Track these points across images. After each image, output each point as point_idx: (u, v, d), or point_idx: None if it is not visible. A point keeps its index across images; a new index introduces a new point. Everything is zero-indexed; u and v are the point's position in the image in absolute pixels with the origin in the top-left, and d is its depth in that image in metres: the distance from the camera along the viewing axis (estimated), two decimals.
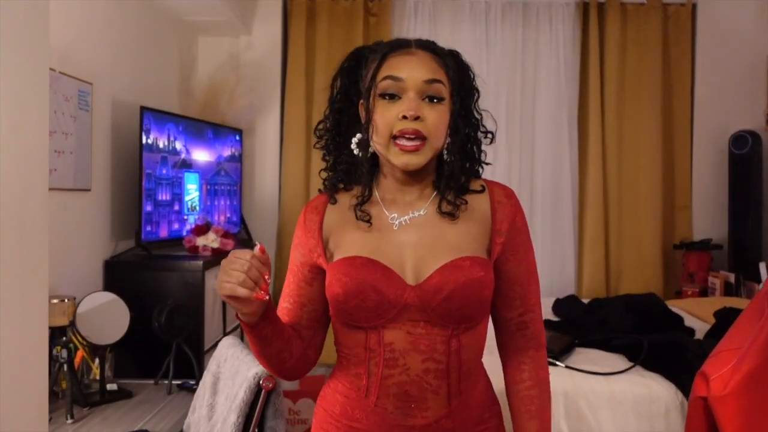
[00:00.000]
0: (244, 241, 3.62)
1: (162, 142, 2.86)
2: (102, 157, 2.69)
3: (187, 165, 3.09)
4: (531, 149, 3.90)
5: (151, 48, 3.22)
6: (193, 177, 3.12)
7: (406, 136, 1.09)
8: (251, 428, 1.64)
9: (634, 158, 3.86)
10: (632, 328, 2.50)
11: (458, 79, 1.15)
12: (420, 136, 1.09)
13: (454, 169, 1.15)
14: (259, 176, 3.92)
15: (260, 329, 1.09)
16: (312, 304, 1.21)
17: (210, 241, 2.94)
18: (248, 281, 0.99)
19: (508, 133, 3.85)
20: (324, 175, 1.23)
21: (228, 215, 3.51)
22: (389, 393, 1.11)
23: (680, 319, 2.65)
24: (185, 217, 3.05)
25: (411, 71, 1.10)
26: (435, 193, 1.18)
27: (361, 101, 1.17)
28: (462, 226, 1.15)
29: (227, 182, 3.50)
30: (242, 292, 0.99)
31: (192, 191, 3.12)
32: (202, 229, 2.96)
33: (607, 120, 3.85)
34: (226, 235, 3.01)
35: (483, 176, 1.24)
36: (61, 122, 2.36)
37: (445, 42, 1.21)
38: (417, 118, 1.09)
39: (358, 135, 1.17)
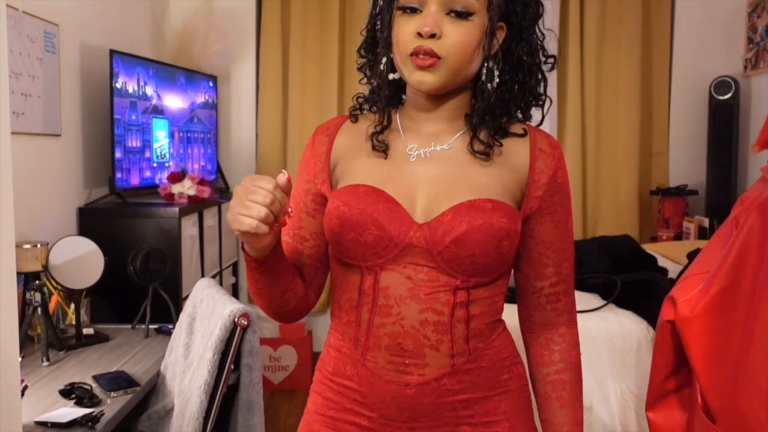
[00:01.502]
0: (221, 189, 3.59)
1: (131, 87, 2.80)
2: (71, 101, 2.63)
3: (158, 111, 3.03)
4: None
5: None
6: (161, 123, 3.06)
7: (419, 55, 0.95)
8: (227, 365, 1.66)
9: (613, 105, 3.86)
10: (606, 269, 2.54)
11: None
12: (434, 55, 0.94)
13: (490, 100, 0.99)
14: (235, 124, 3.86)
15: (268, 265, 0.96)
16: (314, 239, 1.06)
17: (186, 188, 2.91)
18: (270, 216, 0.85)
19: None
20: (367, 124, 1.07)
21: (202, 163, 3.47)
22: (380, 344, 0.98)
23: (654, 259, 2.69)
24: (154, 165, 3.00)
25: None
26: (466, 128, 1.02)
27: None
28: (491, 169, 1.00)
29: (201, 130, 3.45)
30: (263, 229, 0.85)
31: (161, 138, 3.06)
32: (177, 177, 2.93)
33: (586, 66, 3.83)
34: (202, 182, 2.98)
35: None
36: (26, 64, 2.29)
37: None
38: (433, 36, 0.94)
39: (387, 56, 1.02)
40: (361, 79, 1.11)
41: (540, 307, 1.07)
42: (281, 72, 3.77)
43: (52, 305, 2.18)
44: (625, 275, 2.40)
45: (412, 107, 1.04)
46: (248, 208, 0.85)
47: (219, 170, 3.69)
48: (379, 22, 1.04)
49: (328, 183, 1.05)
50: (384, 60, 1.02)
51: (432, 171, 1.00)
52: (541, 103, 1.06)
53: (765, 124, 1.17)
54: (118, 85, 2.68)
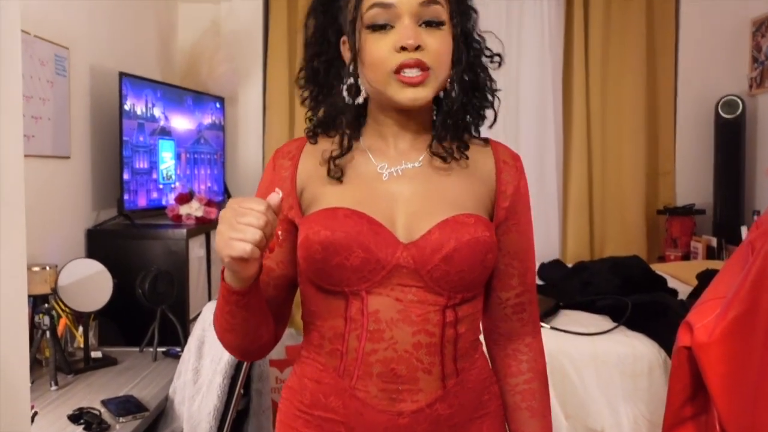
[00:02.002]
0: None
1: (140, 109, 2.81)
2: (81, 123, 2.64)
3: (166, 132, 3.04)
4: (515, 115, 3.88)
5: (130, 13, 3.14)
6: (168, 145, 3.06)
7: (404, 71, 0.92)
8: (237, 390, 1.64)
9: (618, 123, 3.86)
10: (616, 290, 2.52)
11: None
12: (423, 67, 0.92)
13: (455, 104, 0.99)
14: (242, 145, 3.87)
15: (249, 297, 0.91)
16: (280, 269, 1.01)
17: (193, 209, 2.91)
18: (264, 239, 0.81)
19: None
20: (327, 146, 1.04)
21: (209, 184, 3.47)
22: (372, 372, 0.93)
23: (663, 280, 2.67)
24: (160, 186, 3.00)
25: None
26: (433, 142, 1.01)
27: (343, 39, 1.00)
28: (463, 183, 1.00)
29: (208, 151, 3.46)
30: (257, 254, 0.81)
31: (167, 159, 3.06)
32: (185, 198, 2.93)
33: (591, 85, 3.84)
34: (209, 203, 2.98)
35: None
36: (37, 87, 2.30)
37: None
38: (418, 48, 0.92)
39: (350, 80, 0.99)
40: (307, 112, 1.06)
41: (506, 318, 1.07)
42: (288, 93, 3.79)
43: (60, 328, 2.17)
44: (635, 296, 2.38)
45: (378, 126, 1.02)
46: (241, 232, 0.81)
47: (226, 191, 3.69)
48: (316, 49, 1.03)
49: (298, 208, 1.01)
50: (349, 82, 0.99)
51: (407, 189, 0.98)
52: (488, 104, 1.06)
53: None
54: (126, 107, 2.69)
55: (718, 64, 3.85)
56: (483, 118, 1.06)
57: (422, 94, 0.94)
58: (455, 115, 1.00)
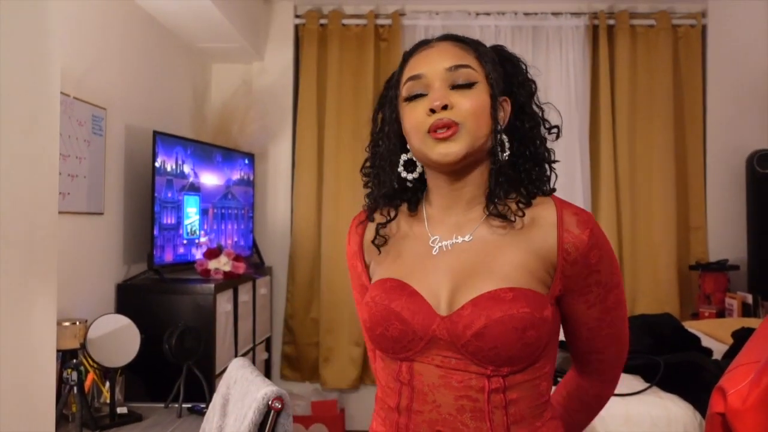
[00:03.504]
0: (256, 265, 3.62)
1: (170, 166, 2.88)
2: (115, 181, 2.71)
3: (194, 188, 3.10)
4: None
5: (165, 74, 3.26)
6: (192, 200, 3.11)
7: (438, 129, 0.97)
8: None
9: (647, 179, 3.83)
10: (648, 349, 2.45)
11: (500, 71, 1.04)
12: (452, 124, 0.96)
13: (503, 166, 1.00)
14: (271, 200, 3.93)
15: None
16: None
17: (222, 264, 2.94)
18: None
19: None
20: (381, 218, 1.10)
21: (236, 239, 3.51)
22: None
23: (697, 339, 2.60)
24: (184, 241, 3.04)
25: (429, 64, 1.01)
26: (486, 215, 1.02)
27: None
28: (514, 255, 0.98)
29: (235, 206, 3.51)
30: None
31: (192, 215, 3.11)
32: (214, 253, 2.97)
33: (618, 141, 3.84)
34: (237, 258, 3.01)
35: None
36: (75, 147, 2.38)
37: None
38: (445, 107, 0.97)
39: (403, 156, 1.06)
40: (368, 194, 1.13)
41: (581, 356, 1.13)
42: (316, 150, 3.85)
43: (87, 383, 2.18)
44: (667, 356, 2.31)
45: (434, 195, 1.06)
46: None
47: (255, 245, 3.73)
48: (390, 133, 1.07)
49: (366, 276, 1.12)
50: (401, 160, 1.07)
51: (454, 263, 1.00)
52: (548, 174, 1.07)
53: None
54: (157, 164, 2.76)
55: (746, 118, 3.84)
56: (547, 187, 1.05)
57: (453, 149, 0.96)
58: (504, 172, 1.01)
